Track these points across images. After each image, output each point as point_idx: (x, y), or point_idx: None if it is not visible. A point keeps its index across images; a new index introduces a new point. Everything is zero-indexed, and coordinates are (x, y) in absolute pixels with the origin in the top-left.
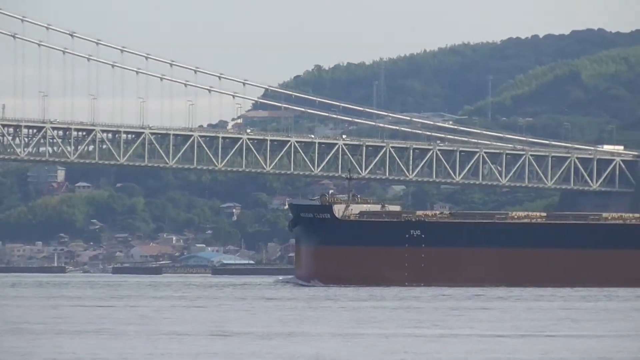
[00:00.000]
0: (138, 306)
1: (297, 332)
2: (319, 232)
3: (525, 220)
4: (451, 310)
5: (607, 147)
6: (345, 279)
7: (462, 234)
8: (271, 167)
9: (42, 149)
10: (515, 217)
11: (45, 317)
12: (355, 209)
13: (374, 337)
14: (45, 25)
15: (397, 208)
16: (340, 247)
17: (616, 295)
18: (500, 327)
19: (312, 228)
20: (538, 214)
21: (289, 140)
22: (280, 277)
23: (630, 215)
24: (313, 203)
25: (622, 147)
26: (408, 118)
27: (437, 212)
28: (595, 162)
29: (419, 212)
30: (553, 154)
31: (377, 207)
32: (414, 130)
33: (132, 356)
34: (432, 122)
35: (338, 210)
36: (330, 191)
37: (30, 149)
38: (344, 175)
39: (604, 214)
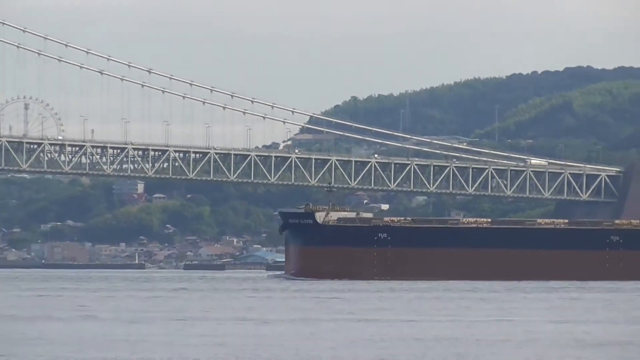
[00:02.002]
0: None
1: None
2: (304, 235)
3: (473, 225)
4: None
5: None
6: (326, 274)
7: (421, 237)
8: (315, 181)
9: (124, 166)
10: (465, 222)
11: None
12: (334, 215)
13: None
14: (127, 63)
15: (369, 215)
16: (321, 248)
17: (552, 288)
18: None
19: (298, 231)
20: (485, 220)
21: (330, 159)
22: (277, 273)
23: (561, 220)
24: (298, 211)
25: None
26: (429, 140)
27: (402, 219)
28: (584, 177)
29: (386, 219)
30: (550, 170)
31: (352, 215)
32: (434, 150)
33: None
34: (449, 144)
35: (319, 216)
36: (365, 201)
37: (114, 166)
38: (323, 186)
39: (539, 220)
